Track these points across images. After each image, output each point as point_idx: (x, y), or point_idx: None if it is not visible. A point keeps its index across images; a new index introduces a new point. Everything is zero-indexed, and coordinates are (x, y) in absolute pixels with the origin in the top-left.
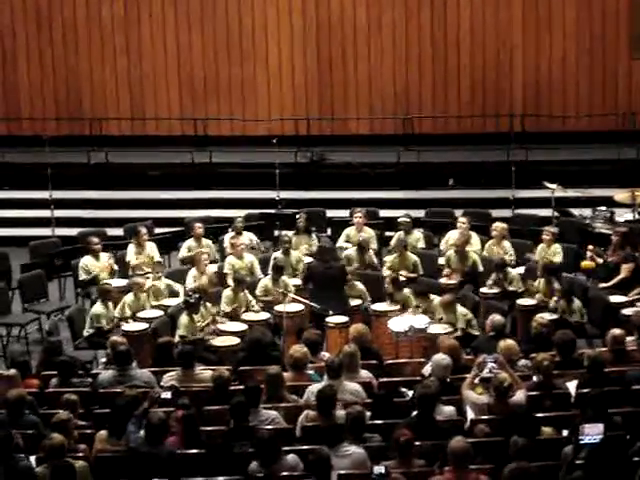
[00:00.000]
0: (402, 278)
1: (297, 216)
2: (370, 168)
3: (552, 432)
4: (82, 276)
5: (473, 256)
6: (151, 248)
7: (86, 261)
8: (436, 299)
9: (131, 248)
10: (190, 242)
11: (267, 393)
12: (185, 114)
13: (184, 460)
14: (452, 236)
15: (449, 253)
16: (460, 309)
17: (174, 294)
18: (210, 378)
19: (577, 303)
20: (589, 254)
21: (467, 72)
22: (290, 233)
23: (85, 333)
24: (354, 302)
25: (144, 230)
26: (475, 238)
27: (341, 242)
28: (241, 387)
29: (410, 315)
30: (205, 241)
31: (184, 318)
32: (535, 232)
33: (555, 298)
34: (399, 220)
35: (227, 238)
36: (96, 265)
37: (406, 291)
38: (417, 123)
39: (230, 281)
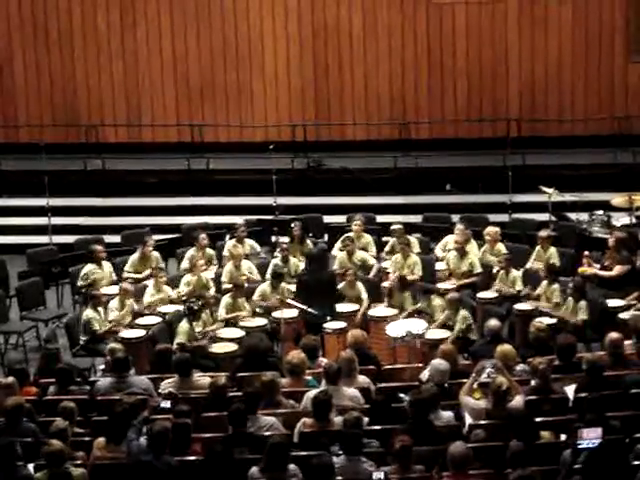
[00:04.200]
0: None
1: (292, 224)
2: (367, 174)
3: (551, 437)
4: (81, 283)
5: (472, 257)
6: (156, 258)
7: (89, 269)
8: (436, 300)
9: (135, 257)
10: (192, 252)
11: (263, 400)
12: (181, 120)
13: (184, 467)
14: (450, 240)
15: (449, 254)
16: (463, 312)
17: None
18: (207, 385)
19: (583, 302)
20: (584, 260)
21: (463, 77)
22: (286, 240)
23: (81, 341)
24: (351, 307)
25: (151, 242)
26: (473, 243)
27: (337, 250)
28: (239, 393)
29: (406, 319)
30: (208, 251)
31: (184, 325)
32: (532, 237)
33: (556, 300)
34: (391, 228)
35: (228, 246)
36: (98, 273)
37: (406, 294)
38: (414, 128)
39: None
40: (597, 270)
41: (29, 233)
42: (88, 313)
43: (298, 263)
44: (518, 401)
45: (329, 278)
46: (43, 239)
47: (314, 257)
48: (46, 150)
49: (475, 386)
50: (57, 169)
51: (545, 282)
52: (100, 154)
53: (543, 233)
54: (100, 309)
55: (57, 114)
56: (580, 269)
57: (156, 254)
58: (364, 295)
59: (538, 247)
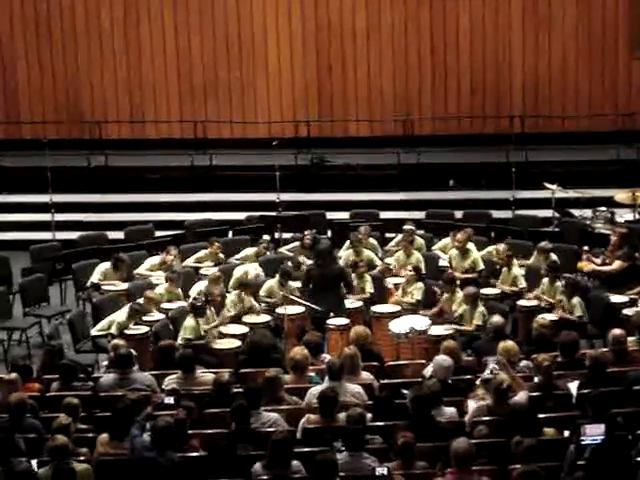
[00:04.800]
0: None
1: (306, 232)
2: (370, 170)
3: (554, 433)
4: (97, 280)
5: (474, 255)
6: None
7: (106, 267)
8: (458, 293)
9: (152, 260)
10: (202, 254)
11: (265, 396)
12: (185, 117)
13: (187, 463)
14: (447, 243)
15: (451, 252)
16: (481, 307)
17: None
18: (211, 381)
19: (576, 299)
20: (584, 256)
21: (466, 73)
22: (296, 243)
23: (93, 332)
24: (354, 304)
25: (174, 252)
26: (471, 244)
27: (341, 251)
28: (242, 389)
29: (409, 316)
30: (220, 256)
31: (190, 321)
32: (535, 233)
33: (558, 297)
34: (404, 228)
35: (247, 252)
36: (113, 276)
37: (419, 284)
38: (417, 124)
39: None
40: (595, 266)
41: (32, 229)
42: (121, 319)
43: (305, 260)
44: (521, 397)
45: (337, 274)
46: (46, 235)
47: (323, 253)
48: (49, 146)
49: (478, 382)
50: (60, 165)
51: (547, 280)
52: (103, 150)
53: (544, 245)
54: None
55: (60, 111)
56: (579, 264)
57: (175, 263)
58: (369, 288)
59: (536, 253)
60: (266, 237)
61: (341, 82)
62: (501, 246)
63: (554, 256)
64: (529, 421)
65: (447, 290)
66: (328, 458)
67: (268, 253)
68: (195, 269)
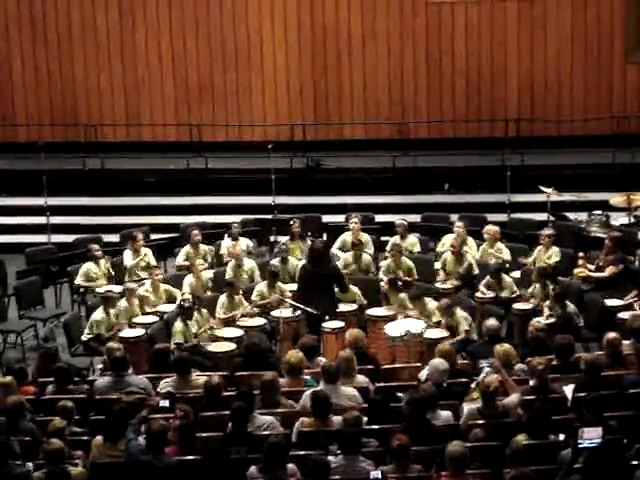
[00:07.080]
0: (399, 282)
1: (291, 222)
2: (366, 173)
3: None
4: (80, 281)
5: (469, 258)
6: (146, 254)
7: (87, 267)
8: (431, 303)
9: (127, 253)
10: (187, 249)
11: (263, 399)
12: (180, 120)
13: (182, 466)
14: (448, 239)
15: (445, 255)
16: (460, 312)
17: (173, 300)
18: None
19: (571, 307)
20: (580, 262)
21: (462, 77)
22: (285, 239)
23: (83, 337)
24: (349, 307)
25: (140, 235)
26: (471, 242)
27: (336, 249)
28: (235, 393)
29: (408, 318)
30: (202, 247)
31: (178, 325)
32: (531, 236)
33: (548, 303)
34: (396, 223)
35: (224, 245)
36: (97, 272)
37: (402, 295)
38: (412, 128)
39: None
40: (589, 272)
41: (28, 232)
42: (98, 316)
43: (297, 262)
44: (512, 399)
45: (331, 273)
46: (42, 238)
47: (317, 251)
48: (45, 149)
49: (473, 386)
50: (56, 168)
51: (538, 285)
52: (99, 153)
53: (546, 231)
54: (111, 311)
55: (56, 113)
56: (576, 271)
57: (145, 249)
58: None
59: (539, 247)
60: (235, 224)
61: (337, 85)
62: (490, 227)
63: (556, 250)
64: (543, 423)
65: (417, 304)
66: (320, 460)
67: (241, 238)
68: (186, 267)
